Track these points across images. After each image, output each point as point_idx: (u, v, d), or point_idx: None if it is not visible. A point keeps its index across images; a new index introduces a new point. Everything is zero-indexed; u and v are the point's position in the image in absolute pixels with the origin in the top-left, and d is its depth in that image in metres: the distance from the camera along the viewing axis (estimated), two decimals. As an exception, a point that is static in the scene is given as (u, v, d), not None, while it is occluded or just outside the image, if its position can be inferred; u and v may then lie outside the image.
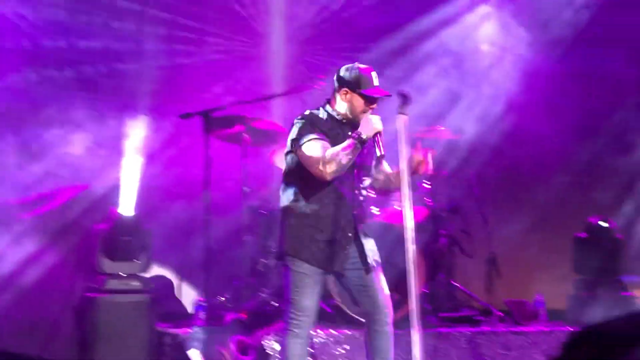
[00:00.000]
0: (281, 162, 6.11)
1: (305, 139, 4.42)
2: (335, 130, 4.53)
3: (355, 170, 4.55)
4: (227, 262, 7.19)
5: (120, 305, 6.08)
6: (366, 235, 4.67)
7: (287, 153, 4.58)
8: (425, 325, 6.26)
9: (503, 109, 8.70)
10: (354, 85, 4.50)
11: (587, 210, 8.11)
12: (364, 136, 4.36)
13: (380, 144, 4.43)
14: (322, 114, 4.58)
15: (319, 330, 5.91)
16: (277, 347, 5.74)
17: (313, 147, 4.39)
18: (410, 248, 4.55)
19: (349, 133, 4.46)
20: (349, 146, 4.34)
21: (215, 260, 6.84)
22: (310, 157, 4.39)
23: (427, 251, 6.97)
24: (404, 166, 4.51)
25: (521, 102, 8.69)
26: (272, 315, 5.96)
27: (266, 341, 5.41)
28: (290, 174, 4.56)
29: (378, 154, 4.46)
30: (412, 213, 4.57)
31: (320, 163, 4.33)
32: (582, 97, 8.75)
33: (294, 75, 8.45)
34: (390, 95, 4.52)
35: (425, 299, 6.71)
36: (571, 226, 8.01)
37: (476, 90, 8.71)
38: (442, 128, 7.49)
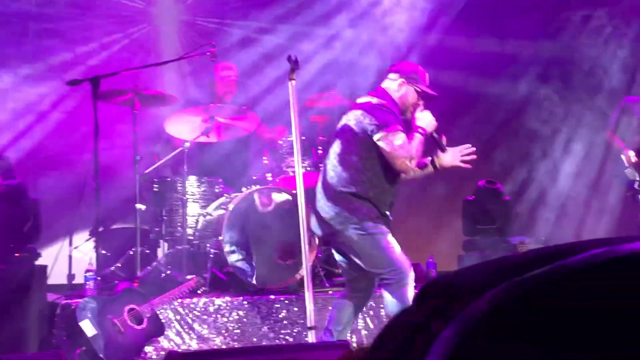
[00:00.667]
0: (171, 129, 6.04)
1: (392, 129, 4.53)
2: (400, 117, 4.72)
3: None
4: (119, 231, 7.08)
5: (9, 275, 5.91)
6: None
7: (363, 138, 4.62)
8: (319, 289, 6.36)
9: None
10: (411, 78, 4.69)
11: (479, 175, 8.30)
12: (428, 132, 4.63)
13: (440, 140, 4.71)
14: (392, 101, 4.70)
15: (214, 298, 5.89)
16: (172, 315, 5.70)
17: (400, 140, 4.53)
18: (302, 213, 4.57)
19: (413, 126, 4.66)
20: (416, 140, 4.57)
21: (106, 229, 6.72)
22: (398, 150, 4.53)
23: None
24: (296, 134, 4.51)
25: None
26: (166, 283, 5.91)
27: (160, 310, 5.36)
28: (361, 158, 4.65)
29: (441, 149, 4.73)
30: (302, 179, 4.57)
31: (408, 158, 4.52)
32: (472, 62, 8.91)
33: (185, 41, 8.33)
34: (437, 97, 4.74)
35: (320, 262, 6.76)
36: (463, 190, 8.19)
37: (366, 56, 8.77)
38: (335, 93, 7.50)
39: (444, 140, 4.75)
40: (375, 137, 4.54)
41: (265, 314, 5.93)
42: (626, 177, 7.01)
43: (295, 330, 5.93)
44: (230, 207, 6.15)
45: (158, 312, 5.28)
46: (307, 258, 4.58)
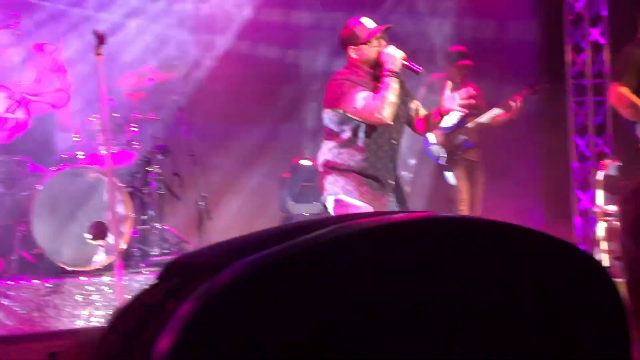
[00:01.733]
0: None
1: (351, 96, 4.51)
2: (370, 83, 4.64)
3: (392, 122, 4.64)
4: None
5: None
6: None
7: (330, 116, 4.65)
8: (134, 269, 6.26)
9: (215, 54, 8.75)
10: (353, 40, 4.65)
11: (295, 152, 8.42)
12: (394, 69, 4.52)
13: (413, 64, 4.58)
14: (353, 70, 4.67)
15: (22, 282, 5.67)
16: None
17: (362, 100, 4.49)
18: (111, 193, 4.47)
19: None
20: (387, 85, 4.49)
21: None
22: (363, 111, 4.50)
23: (136, 194, 6.91)
24: (104, 110, 4.40)
25: (231, 48, 8.78)
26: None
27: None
28: (336, 134, 4.66)
29: (419, 72, 4.65)
30: (114, 157, 4.47)
31: (375, 111, 4.46)
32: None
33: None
34: (389, 26, 4.72)
35: (135, 242, 6.65)
36: (279, 167, 8.28)
37: (181, 30, 8.67)
38: (150, 69, 7.35)
39: (415, 66, 4.67)
40: (340, 112, 4.61)
41: (76, 297, 5.76)
42: (432, 154, 7.31)
43: (109, 313, 5.80)
44: (40, 187, 5.93)
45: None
46: (117, 238, 4.48)
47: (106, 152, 4.50)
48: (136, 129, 6.88)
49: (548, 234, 0.76)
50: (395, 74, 4.55)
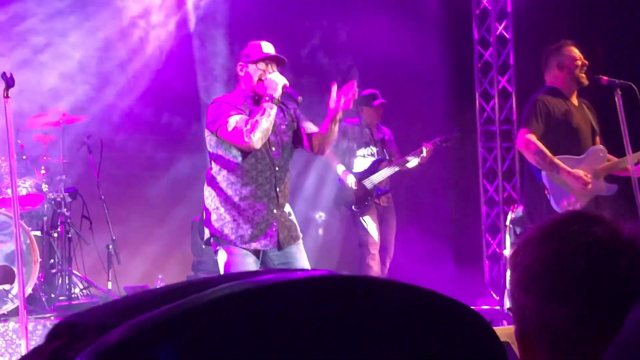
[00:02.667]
0: None
1: (223, 119, 4.38)
2: (249, 107, 4.53)
3: (272, 148, 4.55)
4: None
5: None
6: (289, 211, 4.67)
7: (208, 141, 4.53)
8: (40, 316, 6.10)
9: (135, 96, 8.69)
10: (243, 58, 4.58)
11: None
12: (275, 94, 4.40)
13: (293, 92, 4.46)
14: (235, 94, 4.60)
15: None
16: None
17: (233, 123, 4.36)
18: (18, 236, 4.36)
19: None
20: (264, 110, 4.35)
21: None
22: (233, 134, 4.34)
23: (44, 238, 6.77)
24: (11, 154, 4.31)
25: (152, 90, 8.73)
26: None
27: None
28: (213, 156, 4.54)
29: (297, 100, 4.49)
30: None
31: (245, 135, 4.30)
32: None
33: None
34: (281, 59, 4.59)
35: (42, 288, 6.49)
36: (191, 211, 8.22)
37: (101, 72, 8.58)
38: (61, 110, 7.24)
39: (296, 93, 4.52)
40: (215, 135, 4.49)
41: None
42: (345, 199, 7.36)
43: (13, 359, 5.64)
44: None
45: None
46: (22, 283, 4.36)
47: (13, 195, 4.39)
48: (45, 172, 6.76)
49: (440, 294, 0.78)
50: (275, 100, 4.43)
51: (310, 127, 4.74)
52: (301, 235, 4.74)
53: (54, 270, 6.83)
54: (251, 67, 4.58)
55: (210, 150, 4.59)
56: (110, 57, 8.68)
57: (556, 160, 5.43)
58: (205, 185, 4.63)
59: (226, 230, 4.47)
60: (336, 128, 4.61)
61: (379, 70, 9.02)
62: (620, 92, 5.35)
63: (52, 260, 6.89)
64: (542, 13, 8.57)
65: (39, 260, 6.20)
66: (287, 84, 4.49)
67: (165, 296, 0.70)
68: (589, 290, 1.26)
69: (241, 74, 4.62)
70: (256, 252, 4.54)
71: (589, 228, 1.31)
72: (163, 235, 8.65)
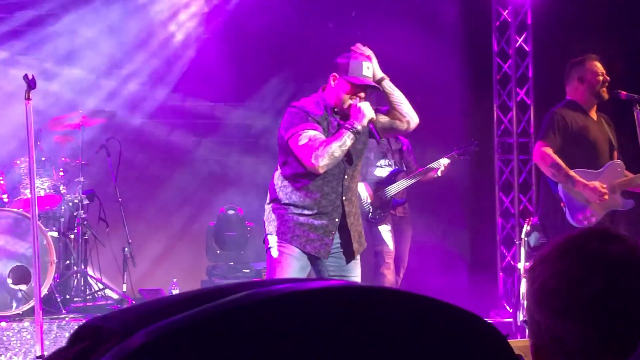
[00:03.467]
0: None
1: (297, 130, 4.24)
2: (328, 119, 4.37)
3: (346, 158, 4.39)
4: None
5: None
6: (357, 222, 4.52)
7: (280, 143, 4.39)
8: (55, 315, 6.14)
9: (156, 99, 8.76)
10: (341, 70, 4.35)
11: (220, 203, 8.41)
12: (358, 126, 4.24)
13: (377, 130, 4.34)
14: (315, 101, 4.40)
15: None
16: None
17: (305, 138, 4.22)
18: (35, 236, 4.40)
19: (340, 122, 4.32)
20: (341, 138, 4.21)
21: None
22: (302, 150, 4.22)
23: (61, 239, 6.82)
24: (31, 155, 4.34)
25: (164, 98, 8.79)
26: None
27: None
28: (282, 159, 4.42)
29: (379, 141, 4.44)
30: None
31: (313, 157, 4.18)
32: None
33: None
34: (376, 88, 4.41)
35: (57, 288, 6.54)
36: (207, 216, 8.26)
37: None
38: (80, 112, 7.29)
39: (378, 134, 4.42)
40: (286, 141, 4.35)
41: (-5, 342, 5.62)
42: (362, 209, 7.37)
43: (28, 359, 5.67)
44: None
45: None
46: (38, 283, 4.39)
47: (31, 196, 4.43)
48: (63, 174, 6.81)
49: (454, 306, 0.79)
50: (355, 131, 4.26)
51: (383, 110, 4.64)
52: (361, 248, 4.60)
53: (69, 272, 6.88)
54: (342, 83, 4.38)
55: (280, 153, 4.47)
56: (132, 59, 8.72)
57: (572, 172, 5.42)
58: (271, 184, 4.51)
59: (283, 228, 4.40)
60: (391, 88, 4.55)
61: (396, 81, 9.00)
62: (639, 108, 5.35)
63: (68, 262, 6.94)
64: (562, 26, 8.56)
65: (55, 261, 6.25)
66: (375, 119, 4.35)
67: (185, 302, 0.72)
68: (602, 311, 1.26)
69: (332, 84, 4.41)
70: (310, 258, 4.44)
71: (607, 246, 1.31)
72: (179, 239, 8.69)
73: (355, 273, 4.53)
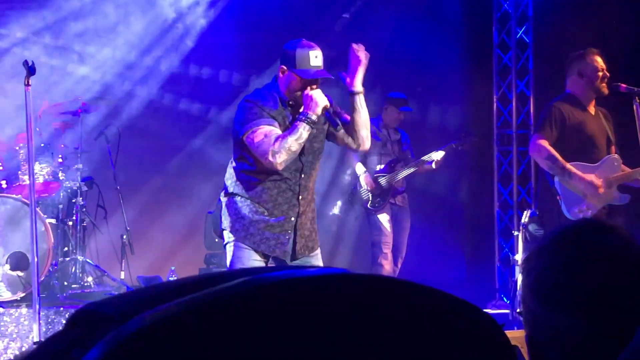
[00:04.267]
0: None
1: (252, 126, 4.13)
2: (283, 113, 4.24)
3: (302, 155, 4.27)
4: None
5: None
6: (308, 222, 4.42)
7: (234, 138, 4.28)
8: (52, 302, 6.15)
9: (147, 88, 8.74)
10: (289, 62, 4.19)
11: (219, 190, 8.39)
12: (312, 116, 4.11)
13: (334, 117, 4.22)
14: (270, 92, 4.25)
15: None
16: None
17: (261, 135, 4.11)
18: (33, 222, 4.40)
19: (296, 114, 4.19)
20: (297, 131, 4.08)
21: None
22: (259, 147, 4.10)
23: (59, 226, 6.82)
24: (30, 140, 4.34)
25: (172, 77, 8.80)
26: None
27: None
28: (236, 153, 4.31)
29: (336, 128, 4.26)
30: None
31: (270, 153, 4.06)
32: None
33: None
34: (328, 76, 4.21)
35: (55, 275, 6.54)
36: (206, 203, 8.25)
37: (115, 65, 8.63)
38: (80, 98, 7.27)
39: (339, 117, 4.32)
40: (241, 137, 4.22)
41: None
42: (361, 197, 7.39)
43: (25, 345, 5.69)
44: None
45: None
46: (36, 270, 4.40)
47: (30, 182, 4.43)
48: (62, 160, 6.81)
49: (450, 295, 0.79)
50: (310, 121, 4.12)
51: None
52: (318, 246, 4.53)
53: (67, 258, 6.88)
54: (291, 75, 4.22)
55: (235, 147, 4.36)
56: (131, 45, 8.71)
57: (568, 165, 5.42)
58: (226, 177, 4.41)
59: (237, 226, 4.30)
60: (361, 105, 4.28)
61: (397, 71, 9.02)
62: (638, 101, 5.35)
63: (66, 248, 6.94)
64: (563, 18, 8.55)
65: (53, 247, 6.25)
66: (329, 106, 4.19)
67: (182, 289, 0.72)
68: (601, 306, 1.27)
69: (281, 75, 4.27)
70: (265, 256, 4.34)
71: (601, 238, 1.31)
72: (177, 227, 8.70)
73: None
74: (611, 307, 1.26)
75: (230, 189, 4.37)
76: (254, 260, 4.30)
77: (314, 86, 4.20)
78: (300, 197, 4.34)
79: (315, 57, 4.22)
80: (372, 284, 0.79)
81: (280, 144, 4.09)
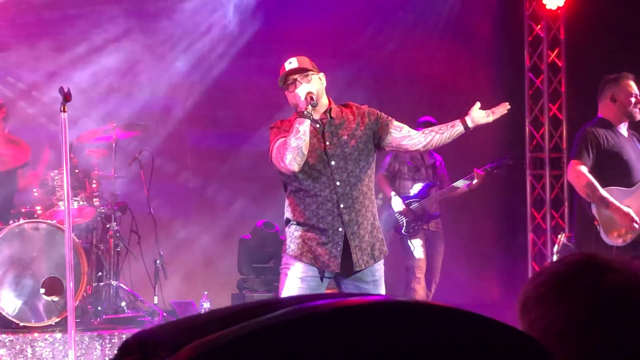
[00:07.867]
0: None
1: (271, 147, 4.30)
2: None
3: (332, 162, 4.29)
4: None
5: None
6: (363, 230, 4.31)
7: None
8: (87, 327, 6.18)
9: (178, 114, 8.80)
10: (281, 82, 4.37)
11: (256, 217, 8.42)
12: (303, 108, 4.20)
13: (311, 101, 4.21)
14: (291, 118, 4.36)
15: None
16: None
17: (275, 150, 4.26)
18: (69, 247, 4.44)
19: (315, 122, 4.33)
20: (293, 128, 4.19)
21: None
22: (274, 160, 4.26)
23: (93, 251, 6.86)
24: (66, 167, 4.38)
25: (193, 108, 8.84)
26: None
27: None
28: (282, 184, 4.46)
29: (312, 104, 4.19)
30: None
31: (280, 159, 4.19)
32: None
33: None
34: (300, 70, 4.29)
35: (89, 300, 6.58)
36: (239, 229, 8.28)
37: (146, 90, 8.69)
38: (114, 124, 7.33)
39: (312, 102, 4.28)
40: (272, 161, 4.35)
41: (27, 353, 5.67)
42: (395, 221, 7.36)
43: (59, 371, 5.71)
44: (-5, 239, 5.86)
45: None
46: (71, 295, 4.43)
47: (65, 208, 4.47)
48: (96, 186, 6.86)
49: (494, 320, 0.79)
50: (303, 115, 4.18)
51: (400, 126, 4.44)
52: (382, 255, 4.40)
53: (101, 283, 6.92)
54: (287, 93, 4.37)
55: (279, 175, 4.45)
56: (165, 70, 8.79)
57: (605, 194, 5.35)
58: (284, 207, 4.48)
59: (292, 246, 4.32)
60: (455, 136, 4.65)
61: (428, 94, 9.02)
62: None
63: (100, 273, 6.97)
64: (595, 42, 8.51)
65: (87, 273, 6.30)
66: (312, 91, 4.22)
67: (232, 317, 0.72)
68: (611, 352, 1.25)
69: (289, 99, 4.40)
70: (321, 272, 4.30)
71: (602, 280, 1.29)
72: (210, 252, 8.72)
73: (366, 287, 4.33)
74: (622, 350, 1.24)
75: (285, 216, 4.46)
76: (309, 276, 4.29)
77: (294, 86, 4.30)
78: (341, 205, 4.26)
79: (289, 63, 4.35)
80: (416, 310, 0.79)
81: (284, 145, 4.20)
